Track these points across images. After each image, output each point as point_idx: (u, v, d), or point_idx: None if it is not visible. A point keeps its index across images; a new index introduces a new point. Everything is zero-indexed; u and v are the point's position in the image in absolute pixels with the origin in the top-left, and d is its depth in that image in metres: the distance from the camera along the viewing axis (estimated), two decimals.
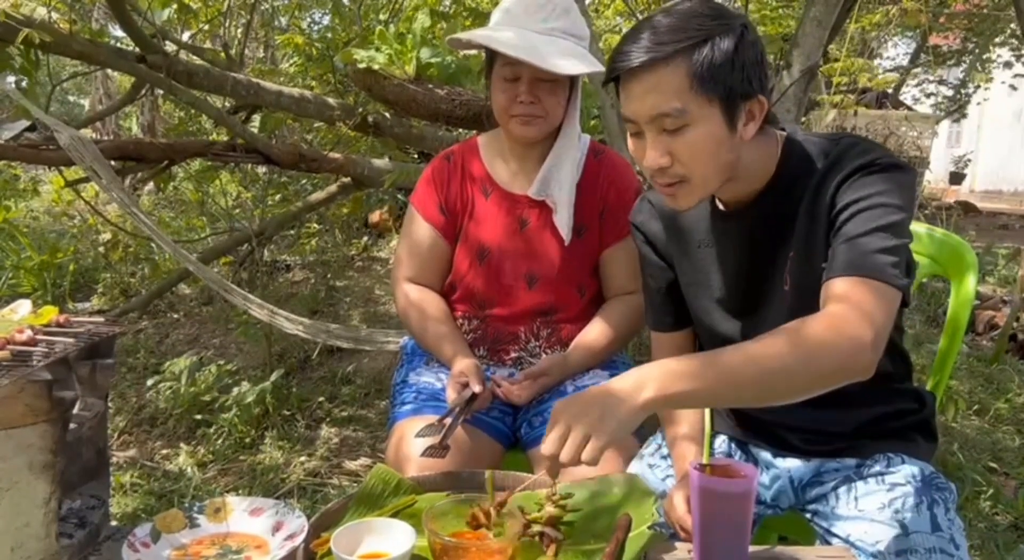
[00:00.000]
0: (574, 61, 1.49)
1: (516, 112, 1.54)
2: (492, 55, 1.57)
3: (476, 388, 1.47)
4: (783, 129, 1.22)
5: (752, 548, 1.05)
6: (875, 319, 0.99)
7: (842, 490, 1.21)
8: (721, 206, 1.26)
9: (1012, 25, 8.08)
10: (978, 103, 11.64)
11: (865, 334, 0.97)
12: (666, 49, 1.05)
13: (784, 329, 1.00)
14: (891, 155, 1.12)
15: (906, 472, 1.17)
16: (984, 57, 10.01)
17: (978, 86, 10.65)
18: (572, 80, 1.58)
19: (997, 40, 9.47)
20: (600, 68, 1.47)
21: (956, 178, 14.85)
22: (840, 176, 1.11)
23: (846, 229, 1.08)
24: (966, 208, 11.07)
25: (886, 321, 1.01)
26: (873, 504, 1.15)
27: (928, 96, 10.52)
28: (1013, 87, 10.37)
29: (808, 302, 1.15)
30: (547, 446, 0.95)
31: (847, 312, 1.00)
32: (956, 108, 11.05)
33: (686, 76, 1.05)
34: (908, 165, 1.13)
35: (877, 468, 1.20)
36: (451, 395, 1.49)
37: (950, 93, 10.71)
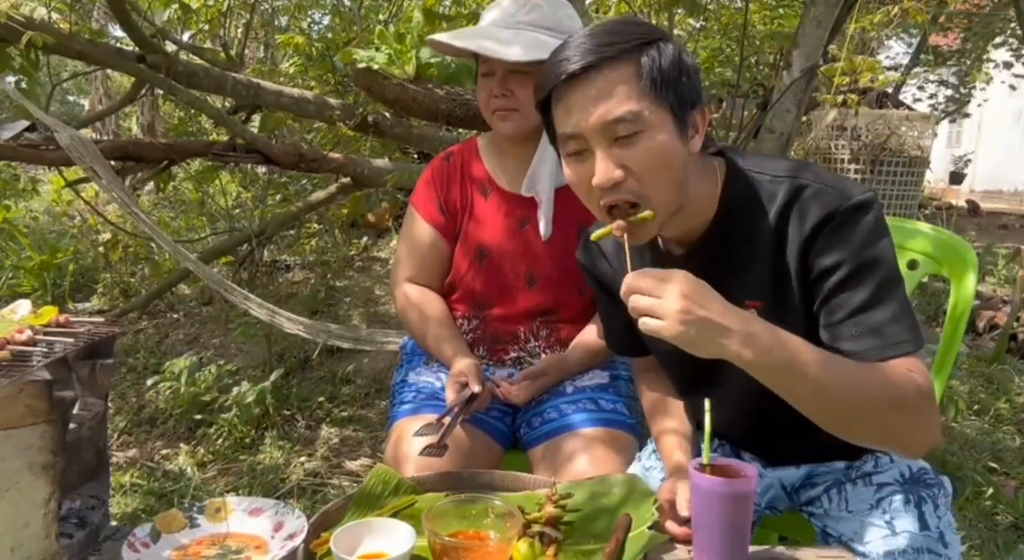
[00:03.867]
0: (526, 49, 1.47)
1: (493, 107, 1.56)
2: (478, 59, 1.59)
3: (475, 388, 1.46)
4: (719, 153, 1.13)
5: (752, 548, 1.05)
6: (931, 391, 1.00)
7: (832, 492, 1.22)
8: (664, 248, 1.18)
9: (1012, 25, 8.07)
10: (979, 104, 11.63)
11: (936, 420, 1.01)
12: (611, 50, 0.97)
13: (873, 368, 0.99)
14: (844, 191, 1.03)
15: (894, 472, 1.18)
16: (984, 57, 10.00)
17: (973, 86, 10.64)
18: None
19: (997, 41, 9.46)
20: None
21: (956, 178, 14.84)
22: (805, 232, 1.03)
23: (843, 301, 1.02)
24: (973, 208, 11.05)
25: (933, 384, 1.02)
26: (862, 505, 1.15)
27: (930, 97, 10.51)
28: (1013, 87, 10.36)
29: None
30: (635, 306, 0.91)
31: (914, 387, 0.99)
32: (956, 108, 11.04)
33: (636, 78, 0.97)
34: (867, 197, 1.03)
35: (866, 469, 1.21)
36: (450, 395, 1.49)
37: (949, 93, 10.70)
